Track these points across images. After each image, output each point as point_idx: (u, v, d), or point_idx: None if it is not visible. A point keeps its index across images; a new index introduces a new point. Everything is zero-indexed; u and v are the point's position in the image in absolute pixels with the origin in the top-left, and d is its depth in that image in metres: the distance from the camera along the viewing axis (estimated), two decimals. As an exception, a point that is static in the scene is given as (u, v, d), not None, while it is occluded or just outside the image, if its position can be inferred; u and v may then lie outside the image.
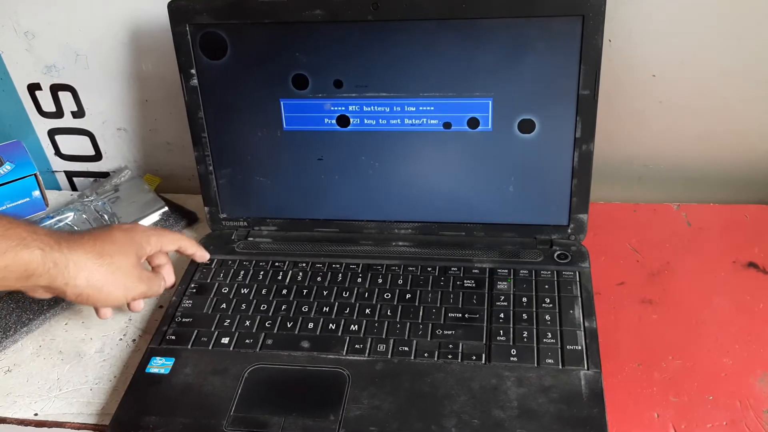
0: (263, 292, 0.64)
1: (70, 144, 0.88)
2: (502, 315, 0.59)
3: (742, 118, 0.72)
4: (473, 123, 0.63)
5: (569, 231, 0.66)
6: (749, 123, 0.72)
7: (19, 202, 0.79)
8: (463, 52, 0.61)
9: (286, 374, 0.56)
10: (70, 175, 0.92)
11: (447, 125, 0.64)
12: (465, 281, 0.63)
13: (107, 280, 0.54)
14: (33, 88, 0.83)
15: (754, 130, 0.73)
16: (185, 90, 0.66)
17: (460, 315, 0.59)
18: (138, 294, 0.58)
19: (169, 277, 0.63)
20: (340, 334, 0.59)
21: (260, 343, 0.59)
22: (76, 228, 0.75)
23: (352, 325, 0.59)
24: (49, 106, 0.84)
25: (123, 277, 0.55)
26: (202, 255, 0.66)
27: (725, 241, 0.68)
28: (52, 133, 0.87)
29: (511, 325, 0.58)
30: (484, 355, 0.56)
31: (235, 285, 0.65)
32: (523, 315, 0.59)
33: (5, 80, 0.82)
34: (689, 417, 0.52)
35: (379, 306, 0.61)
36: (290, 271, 0.66)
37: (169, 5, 0.63)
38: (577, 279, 0.62)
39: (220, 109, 0.67)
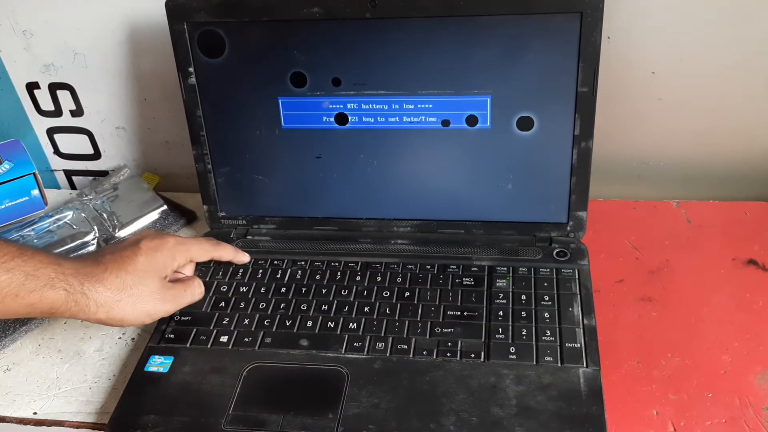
0: (262, 290, 0.64)
1: (68, 143, 0.88)
2: (501, 313, 0.59)
3: (742, 115, 0.72)
4: (472, 120, 0.63)
5: (568, 228, 0.66)
6: (749, 120, 0.72)
7: (18, 201, 0.79)
8: (461, 49, 0.61)
9: (284, 372, 0.56)
10: (69, 173, 0.92)
11: (445, 123, 0.64)
12: (464, 279, 0.63)
13: (127, 312, 0.55)
14: (31, 86, 0.83)
15: (754, 127, 0.73)
16: (183, 88, 0.66)
17: (459, 313, 0.59)
18: (162, 315, 0.58)
19: (197, 289, 0.61)
20: (339, 332, 0.59)
21: (259, 341, 0.59)
22: (75, 227, 0.75)
23: (351, 324, 0.59)
24: (47, 104, 0.84)
25: (144, 305, 0.56)
26: (241, 259, 0.66)
27: (725, 239, 0.68)
28: (50, 131, 0.87)
29: (510, 323, 0.58)
30: (483, 353, 0.56)
31: (234, 283, 0.65)
32: (522, 313, 0.59)
33: (4, 79, 0.82)
34: (688, 414, 0.52)
35: (377, 304, 0.61)
36: (289, 270, 0.66)
37: (167, 3, 0.63)
38: (576, 276, 0.62)
39: (218, 108, 0.67)
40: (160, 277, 0.58)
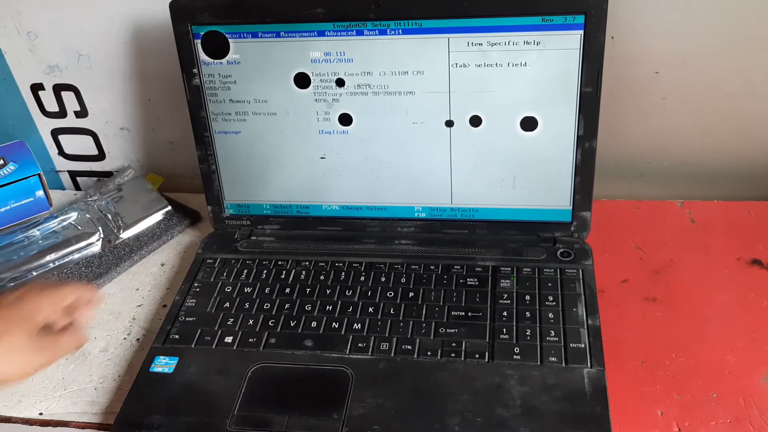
0: (266, 291, 0.64)
1: (73, 144, 0.88)
2: (505, 313, 0.59)
3: (746, 114, 0.72)
4: (475, 121, 0.63)
5: (572, 228, 0.66)
6: (753, 119, 0.72)
7: (22, 202, 0.80)
8: (464, 49, 0.61)
9: (289, 373, 0.56)
10: (73, 174, 0.92)
11: (449, 123, 0.64)
12: (468, 279, 0.63)
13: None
14: (36, 88, 0.83)
15: (758, 126, 0.72)
16: (187, 89, 0.66)
17: (463, 313, 0.59)
18: (40, 367, 0.53)
19: (75, 336, 0.55)
20: (343, 332, 0.59)
21: (263, 342, 0.59)
22: (80, 228, 0.75)
23: (355, 324, 0.59)
24: (52, 106, 0.84)
25: (16, 358, 0.51)
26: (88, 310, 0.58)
27: (729, 238, 0.68)
28: (55, 132, 0.87)
29: (515, 324, 0.58)
30: (487, 354, 0.56)
31: (239, 284, 0.65)
32: (527, 313, 0.59)
33: (8, 80, 0.83)
34: (693, 415, 0.52)
35: (382, 304, 0.61)
36: (293, 270, 0.66)
37: (171, 5, 0.63)
38: (581, 277, 0.62)
39: (222, 108, 0.67)
40: (29, 328, 0.52)
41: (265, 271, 0.66)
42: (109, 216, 0.77)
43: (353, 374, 0.55)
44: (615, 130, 0.72)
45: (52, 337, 0.53)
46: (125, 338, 0.64)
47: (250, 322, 0.61)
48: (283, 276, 0.65)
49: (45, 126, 0.87)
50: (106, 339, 0.64)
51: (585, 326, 0.57)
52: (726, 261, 0.65)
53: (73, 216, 0.77)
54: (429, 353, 0.56)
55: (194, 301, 0.64)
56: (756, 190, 0.75)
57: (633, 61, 0.69)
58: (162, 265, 0.73)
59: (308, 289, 0.64)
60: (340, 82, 0.64)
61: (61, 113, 0.85)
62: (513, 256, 0.65)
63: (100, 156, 0.89)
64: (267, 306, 0.62)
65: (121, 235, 0.75)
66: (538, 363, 0.55)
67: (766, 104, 0.71)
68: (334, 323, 0.60)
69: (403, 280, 0.63)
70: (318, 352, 0.58)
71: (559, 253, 0.64)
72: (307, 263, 0.66)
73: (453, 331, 0.58)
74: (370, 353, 0.57)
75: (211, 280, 0.66)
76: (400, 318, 0.60)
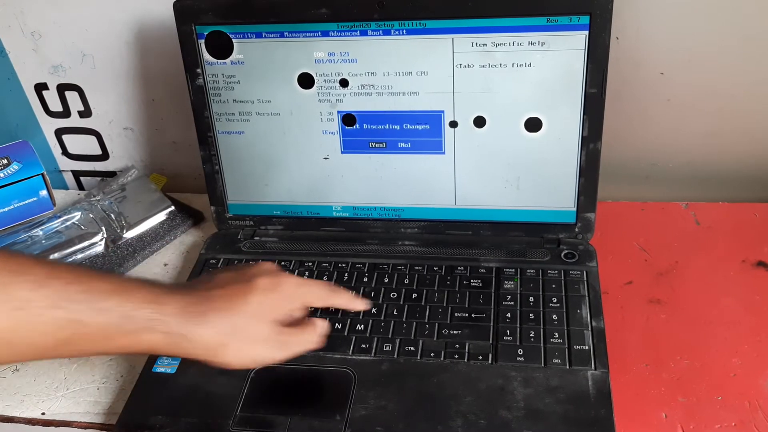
0: (269, 291, 0.64)
1: (77, 143, 0.88)
2: (508, 315, 0.59)
3: (751, 115, 0.71)
4: (480, 121, 0.63)
5: (576, 230, 0.65)
6: (758, 121, 0.72)
7: (26, 202, 0.80)
8: (468, 49, 0.61)
9: (292, 374, 0.56)
10: (77, 174, 0.92)
11: (453, 124, 0.63)
12: (471, 281, 0.62)
13: (231, 357, 0.49)
14: (40, 87, 0.83)
15: (763, 128, 0.72)
16: (191, 89, 0.66)
17: (467, 315, 0.59)
18: (270, 362, 0.51)
19: (312, 337, 0.52)
20: (346, 333, 0.59)
21: (266, 342, 0.59)
22: (83, 228, 0.75)
23: (358, 325, 0.59)
24: (56, 105, 0.85)
25: (251, 351, 0.49)
26: (356, 306, 0.58)
27: (734, 240, 0.67)
28: (59, 132, 0.87)
29: (518, 325, 0.58)
30: (490, 355, 0.56)
31: (242, 284, 0.65)
32: (530, 315, 0.58)
33: (12, 80, 0.83)
34: (698, 418, 0.52)
35: (385, 305, 0.61)
36: (296, 271, 0.66)
37: (175, 5, 0.63)
38: (585, 278, 0.61)
39: (225, 109, 0.67)
40: (273, 321, 0.50)
41: (268, 272, 0.66)
42: (113, 216, 0.77)
43: (356, 375, 0.55)
44: (620, 131, 0.72)
45: (289, 335, 0.51)
46: (128, 338, 0.64)
47: (253, 322, 0.61)
48: (286, 276, 0.65)
49: (49, 126, 0.87)
50: (109, 339, 0.64)
51: (589, 328, 0.57)
52: (731, 263, 0.65)
53: (77, 216, 0.77)
54: (432, 355, 0.56)
55: (197, 301, 0.64)
56: (761, 191, 0.75)
57: (638, 63, 0.69)
58: (165, 265, 0.73)
59: (311, 290, 0.63)
60: (343, 83, 0.64)
61: (65, 113, 0.85)
62: (517, 258, 0.64)
63: (104, 156, 0.89)
64: (270, 306, 0.62)
65: (124, 235, 0.75)
66: (542, 365, 0.54)
67: (772, 106, 0.70)
68: (336, 324, 0.60)
69: (406, 281, 0.63)
70: (321, 352, 0.57)
71: (563, 254, 0.64)
72: (310, 264, 0.66)
73: (456, 332, 0.58)
74: (373, 354, 0.57)
75: (214, 280, 0.66)
76: (403, 319, 0.60)
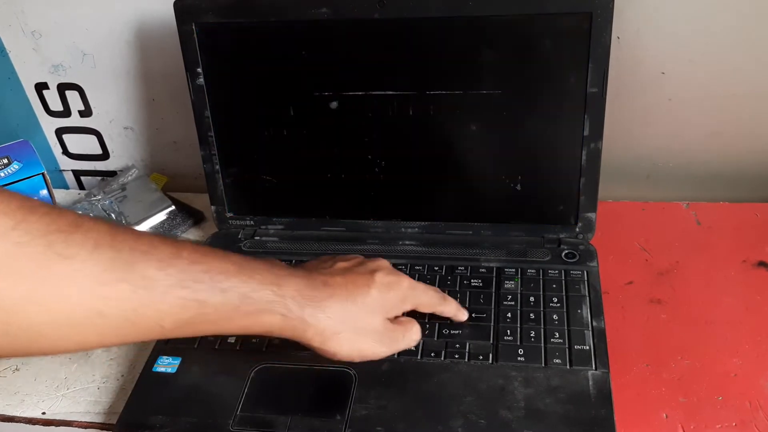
0: (270, 291, 0.64)
1: (77, 143, 0.88)
2: (509, 314, 0.59)
3: (752, 115, 0.71)
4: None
5: (577, 230, 0.65)
6: (759, 120, 0.72)
7: (26, 201, 0.80)
8: (469, 49, 0.60)
9: (292, 374, 0.56)
10: (77, 174, 0.92)
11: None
12: (472, 280, 0.62)
13: (342, 346, 0.49)
14: (40, 87, 0.83)
15: (764, 127, 0.72)
16: (191, 89, 0.66)
17: (467, 314, 0.59)
18: (374, 357, 0.52)
19: (414, 335, 0.54)
20: (346, 333, 0.59)
21: (266, 342, 0.59)
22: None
23: (359, 325, 0.59)
24: (56, 105, 0.85)
25: (362, 344, 0.50)
26: (461, 317, 0.58)
27: (735, 240, 0.67)
28: (59, 132, 0.87)
29: (519, 325, 0.58)
30: (491, 355, 0.56)
31: (242, 284, 0.65)
32: (531, 314, 0.58)
33: (13, 80, 0.83)
34: (698, 418, 0.52)
35: (385, 305, 0.61)
36: (297, 271, 0.66)
37: (175, 4, 0.63)
38: (585, 278, 0.61)
39: (226, 108, 0.67)
40: (385, 317, 0.52)
41: (268, 272, 0.66)
42: (113, 215, 0.77)
43: (356, 375, 0.55)
44: (620, 131, 0.72)
45: (393, 331, 0.53)
46: (128, 338, 0.64)
47: (253, 322, 0.61)
48: (286, 276, 0.65)
49: (49, 125, 0.87)
50: (109, 339, 0.64)
51: (590, 328, 0.57)
52: (732, 263, 0.65)
53: (77, 215, 0.77)
54: (432, 354, 0.56)
55: (197, 301, 0.64)
56: (762, 191, 0.75)
57: (639, 62, 0.69)
58: (165, 264, 0.73)
59: (311, 290, 0.63)
60: (344, 82, 0.63)
61: (66, 112, 0.85)
62: (517, 258, 0.64)
63: (104, 155, 0.89)
64: (270, 306, 0.62)
65: (124, 235, 0.75)
66: (542, 365, 0.54)
67: (773, 105, 0.70)
68: (337, 324, 0.60)
69: (406, 280, 0.63)
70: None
71: (563, 254, 0.64)
72: (310, 263, 0.66)
73: (457, 332, 0.58)
74: (373, 354, 0.57)
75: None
76: (404, 319, 0.59)
